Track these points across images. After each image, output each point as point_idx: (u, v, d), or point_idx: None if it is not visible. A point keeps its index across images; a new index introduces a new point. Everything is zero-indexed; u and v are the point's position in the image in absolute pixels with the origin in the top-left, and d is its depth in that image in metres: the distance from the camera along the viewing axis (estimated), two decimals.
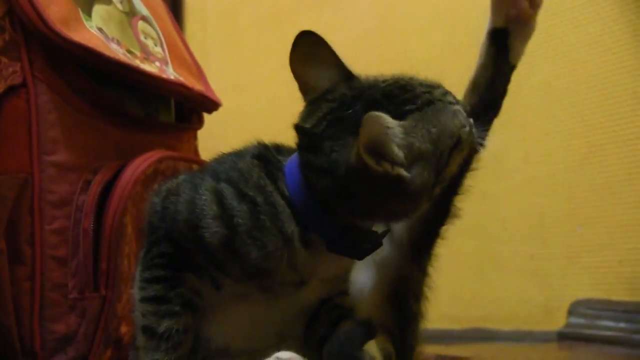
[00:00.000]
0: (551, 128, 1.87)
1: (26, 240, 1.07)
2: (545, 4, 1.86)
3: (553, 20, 1.88)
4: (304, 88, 0.84)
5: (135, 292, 0.85)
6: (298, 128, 0.81)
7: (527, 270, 1.88)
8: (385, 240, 0.91)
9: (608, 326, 1.69)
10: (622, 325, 1.67)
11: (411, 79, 0.81)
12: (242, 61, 2.55)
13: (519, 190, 1.92)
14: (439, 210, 0.96)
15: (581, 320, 1.75)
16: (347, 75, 0.82)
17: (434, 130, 0.76)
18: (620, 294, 1.71)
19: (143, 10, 1.33)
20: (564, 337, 1.77)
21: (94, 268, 1.09)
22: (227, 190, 0.79)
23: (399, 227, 0.95)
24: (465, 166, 0.93)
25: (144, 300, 0.83)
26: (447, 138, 0.77)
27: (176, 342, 0.81)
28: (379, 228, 0.86)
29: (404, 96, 0.78)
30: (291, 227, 0.78)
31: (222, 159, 0.87)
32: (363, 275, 0.95)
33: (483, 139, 0.85)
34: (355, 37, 2.19)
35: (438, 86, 0.82)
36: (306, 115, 0.82)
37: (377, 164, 0.73)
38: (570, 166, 1.83)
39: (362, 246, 0.81)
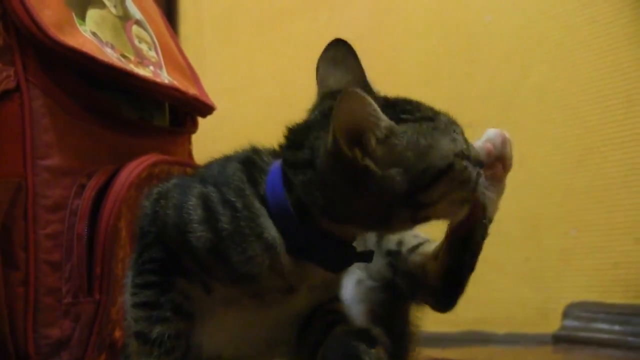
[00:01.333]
0: (546, 130, 1.87)
1: (20, 245, 1.07)
2: (541, 6, 1.88)
3: (548, 23, 1.89)
4: (321, 88, 0.86)
5: (127, 298, 0.85)
6: (288, 128, 0.82)
7: (522, 273, 1.88)
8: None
9: (603, 329, 1.69)
10: (617, 327, 1.67)
11: (425, 103, 0.80)
12: (236, 65, 2.55)
13: (514, 193, 1.90)
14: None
15: (576, 323, 1.75)
16: (364, 86, 0.83)
17: (423, 142, 0.74)
18: (615, 297, 1.71)
19: (137, 14, 1.33)
20: (559, 340, 1.77)
21: (88, 272, 1.09)
22: (213, 194, 0.79)
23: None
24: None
25: (136, 305, 0.83)
26: (437, 158, 0.75)
27: (168, 348, 0.81)
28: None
29: (406, 107, 0.78)
30: (272, 234, 0.77)
31: (211, 164, 0.87)
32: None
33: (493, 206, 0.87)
34: (350, 41, 2.19)
35: (448, 115, 0.80)
36: (311, 108, 0.83)
37: (349, 149, 0.72)
38: (566, 169, 1.83)
39: (335, 257, 0.80)
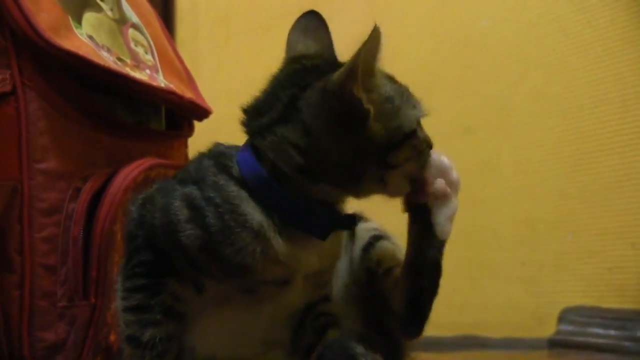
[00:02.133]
0: (542, 135, 1.88)
1: (15, 249, 1.07)
2: (537, 11, 1.88)
3: (544, 28, 1.89)
4: (288, 53, 0.88)
5: (118, 302, 0.86)
6: (243, 107, 0.84)
7: (518, 278, 1.88)
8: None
9: (598, 333, 1.69)
10: (612, 332, 1.67)
11: None
12: (233, 68, 2.55)
13: (509, 198, 1.93)
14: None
15: (571, 328, 1.75)
16: (332, 57, 0.87)
17: (397, 101, 0.78)
18: (610, 301, 1.72)
19: (133, 17, 1.33)
20: (555, 345, 1.77)
21: (83, 276, 1.09)
22: (195, 192, 0.79)
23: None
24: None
25: (126, 309, 0.84)
26: (405, 120, 0.78)
27: (160, 351, 0.81)
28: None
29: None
30: (256, 219, 0.77)
31: (187, 165, 0.88)
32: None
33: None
34: (346, 45, 2.19)
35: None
36: (275, 72, 0.85)
37: (358, 90, 0.74)
38: (561, 173, 1.83)
39: (320, 220, 0.80)
